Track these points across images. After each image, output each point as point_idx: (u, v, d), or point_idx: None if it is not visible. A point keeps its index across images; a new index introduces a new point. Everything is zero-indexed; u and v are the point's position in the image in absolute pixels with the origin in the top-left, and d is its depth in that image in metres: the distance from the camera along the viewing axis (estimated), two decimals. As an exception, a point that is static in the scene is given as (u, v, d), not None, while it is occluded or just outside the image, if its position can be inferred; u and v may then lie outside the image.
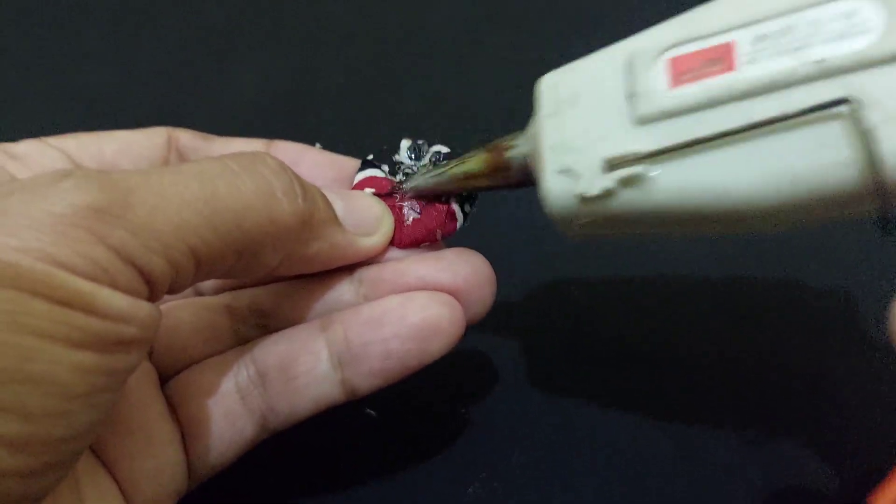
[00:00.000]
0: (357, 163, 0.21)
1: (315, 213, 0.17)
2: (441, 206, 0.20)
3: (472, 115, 0.32)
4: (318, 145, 0.22)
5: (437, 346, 0.18)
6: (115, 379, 0.14)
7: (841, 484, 0.21)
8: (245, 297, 0.20)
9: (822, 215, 0.15)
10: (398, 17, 0.36)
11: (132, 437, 0.17)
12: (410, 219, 0.20)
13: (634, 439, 0.22)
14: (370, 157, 0.21)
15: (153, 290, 0.15)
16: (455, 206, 0.20)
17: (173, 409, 0.18)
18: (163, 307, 0.20)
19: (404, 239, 0.20)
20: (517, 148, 0.18)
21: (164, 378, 0.19)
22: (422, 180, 0.20)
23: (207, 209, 0.15)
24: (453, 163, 0.19)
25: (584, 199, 0.16)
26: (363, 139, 0.22)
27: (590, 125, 0.16)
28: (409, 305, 0.18)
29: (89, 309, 0.13)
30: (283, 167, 0.17)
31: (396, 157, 0.21)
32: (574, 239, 0.17)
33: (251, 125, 0.32)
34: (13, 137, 0.29)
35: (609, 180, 0.15)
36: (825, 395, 0.22)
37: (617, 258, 0.26)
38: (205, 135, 0.22)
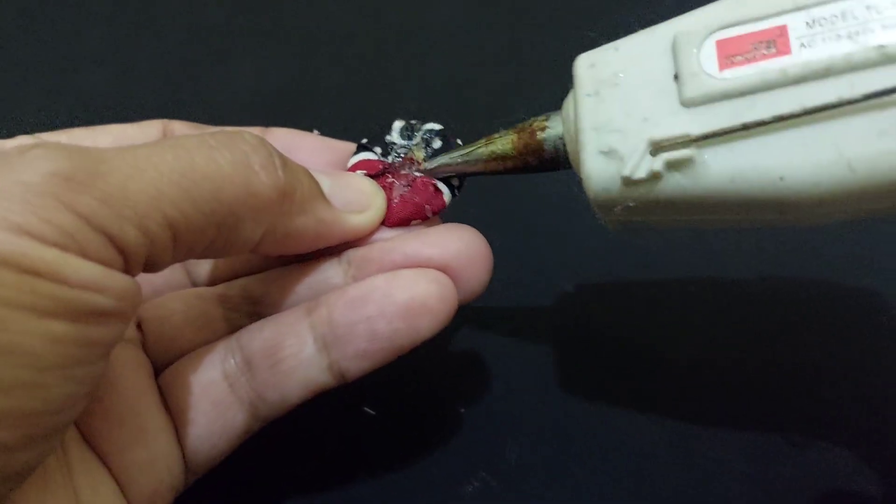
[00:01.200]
0: (352, 146, 0.21)
1: (297, 188, 0.17)
2: (426, 180, 0.20)
3: (473, 114, 0.31)
4: (315, 132, 0.22)
5: (427, 324, 0.17)
6: (91, 351, 0.14)
7: (841, 483, 0.21)
8: (237, 285, 0.20)
9: (878, 205, 0.14)
10: (398, 15, 0.36)
11: (124, 427, 0.17)
12: (398, 197, 0.19)
13: (633, 438, 0.22)
14: (364, 140, 0.21)
15: (128, 260, 0.14)
16: (437, 179, 0.20)
17: (165, 399, 0.18)
18: (156, 299, 0.20)
19: (393, 217, 0.19)
20: (551, 129, 0.17)
21: (158, 368, 0.19)
22: (447, 159, 0.19)
23: (184, 180, 0.14)
24: (480, 143, 0.18)
25: (629, 182, 0.15)
26: (362, 136, 0.22)
27: (633, 106, 0.15)
28: (395, 283, 0.17)
29: (58, 278, 0.13)
30: (262, 141, 0.16)
31: (388, 138, 0.21)
32: (612, 226, 0.16)
33: (250, 124, 0.32)
34: (11, 136, 0.28)
35: (657, 163, 0.14)
36: (825, 393, 0.22)
37: (617, 257, 0.26)
38: (200, 126, 0.21)
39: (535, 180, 0.28)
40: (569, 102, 0.17)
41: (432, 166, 0.20)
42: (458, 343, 0.24)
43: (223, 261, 0.21)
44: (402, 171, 0.20)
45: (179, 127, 0.21)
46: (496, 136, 0.18)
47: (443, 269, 0.18)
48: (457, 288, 0.18)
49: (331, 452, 0.22)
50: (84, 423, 0.17)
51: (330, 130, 0.32)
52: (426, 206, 0.19)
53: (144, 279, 0.20)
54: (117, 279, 0.14)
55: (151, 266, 0.15)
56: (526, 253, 0.26)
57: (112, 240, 0.14)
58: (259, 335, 0.18)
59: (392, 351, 0.17)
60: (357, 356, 0.17)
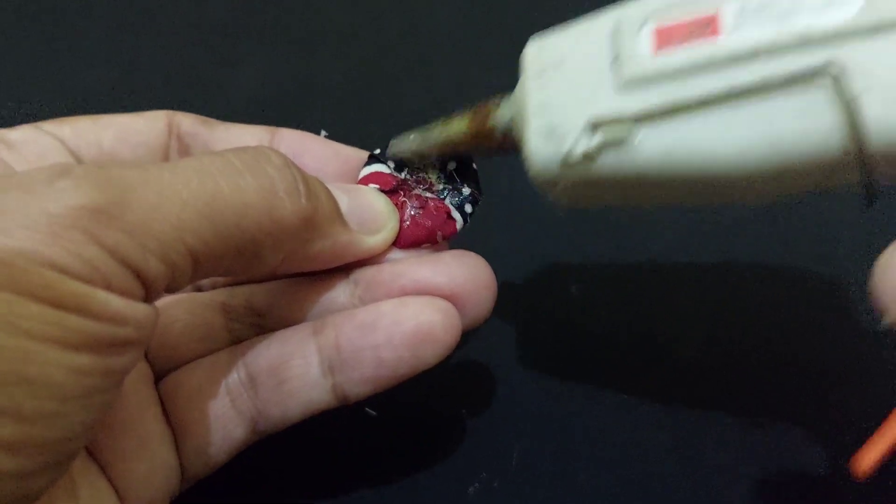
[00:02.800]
0: (361, 154, 0.21)
1: (319, 211, 0.16)
2: (441, 205, 0.20)
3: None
4: (323, 133, 0.22)
5: (431, 353, 0.17)
6: (111, 380, 0.14)
7: (839, 481, 0.20)
8: (241, 294, 0.20)
9: (805, 184, 0.15)
10: (401, 15, 0.36)
11: (126, 437, 0.17)
12: (409, 218, 0.19)
13: (635, 439, 0.22)
14: (377, 151, 0.20)
15: (149, 290, 0.14)
16: (451, 207, 0.20)
17: (165, 409, 0.18)
18: (157, 303, 0.20)
19: (404, 240, 0.19)
20: (501, 111, 0.18)
21: (158, 376, 0.19)
22: (403, 145, 0.19)
23: (207, 209, 0.14)
24: (436, 125, 0.19)
25: (568, 160, 0.15)
26: (365, 137, 0.22)
27: (575, 87, 0.16)
28: (403, 311, 0.17)
29: (84, 310, 0.13)
30: (288, 163, 0.16)
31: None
32: (557, 204, 0.17)
33: (254, 123, 0.32)
34: None
35: (593, 142, 0.15)
36: (830, 394, 0.22)
37: (616, 257, 0.26)
38: (206, 119, 0.21)
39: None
40: (518, 86, 0.17)
41: (390, 152, 0.20)
42: (459, 343, 0.24)
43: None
44: (415, 192, 0.20)
45: (185, 120, 0.21)
46: (453, 116, 0.19)
47: (450, 297, 0.18)
48: (461, 316, 0.18)
49: (331, 452, 0.22)
50: None
51: (333, 131, 0.32)
52: (438, 231, 0.19)
53: None
54: (139, 309, 0.14)
55: (169, 289, 0.15)
56: (525, 252, 0.26)
57: (136, 272, 0.14)
58: (265, 352, 0.18)
59: (395, 378, 0.18)
60: (361, 381, 0.18)
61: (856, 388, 0.22)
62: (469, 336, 0.24)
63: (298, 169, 0.17)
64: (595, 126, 0.15)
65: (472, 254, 0.19)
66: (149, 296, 0.14)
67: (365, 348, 0.17)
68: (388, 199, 0.19)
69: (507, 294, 0.25)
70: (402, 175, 0.20)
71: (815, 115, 0.14)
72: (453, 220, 0.20)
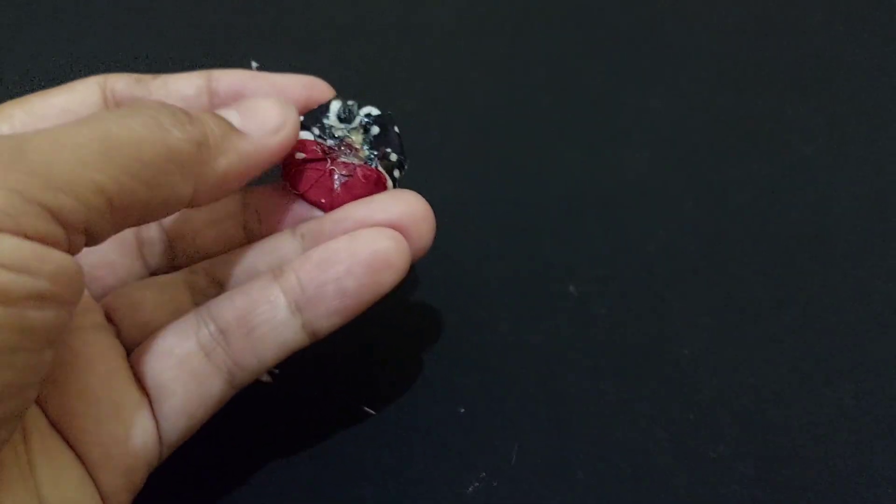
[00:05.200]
0: (298, 79, 0.21)
1: (207, 133, 0.17)
2: (370, 172, 0.20)
3: (474, 113, 0.32)
4: (254, 65, 0.22)
5: (388, 278, 0.18)
6: (31, 338, 0.13)
7: (836, 479, 0.21)
8: (200, 269, 0.21)
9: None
10: (399, 14, 0.36)
11: (99, 405, 0.17)
12: (338, 185, 0.20)
13: (634, 438, 0.22)
14: (301, 118, 0.21)
15: (67, 230, 0.14)
16: (383, 172, 0.20)
17: (139, 376, 0.18)
18: (122, 288, 0.20)
19: (335, 205, 0.20)
20: None
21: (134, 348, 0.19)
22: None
23: (104, 147, 0.15)
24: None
25: None
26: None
27: None
28: (356, 243, 0.18)
29: None
30: (164, 104, 0.17)
31: (326, 121, 0.21)
32: None
33: None
34: None
35: None
36: (820, 388, 0.22)
37: (616, 256, 0.26)
38: (139, 76, 0.22)
39: (536, 179, 0.28)
40: None
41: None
42: (458, 343, 0.24)
43: (181, 247, 0.21)
44: (341, 159, 0.20)
45: (118, 83, 0.21)
46: None
47: (393, 228, 0.19)
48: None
49: (331, 453, 0.22)
50: (54, 407, 0.17)
51: None
52: (368, 196, 0.20)
53: (105, 270, 0.21)
54: (51, 257, 0.14)
55: (94, 236, 0.15)
56: (527, 253, 0.26)
57: (48, 209, 0.14)
58: (230, 304, 0.19)
59: (360, 306, 0.18)
60: (329, 314, 0.18)
61: (853, 385, 0.22)
62: (471, 337, 0.24)
63: (175, 106, 0.17)
64: None
65: (407, 191, 0.19)
66: (70, 238, 0.14)
67: (328, 282, 0.18)
68: (279, 98, 0.20)
69: (507, 294, 0.25)
70: (328, 142, 0.20)
71: None
72: (384, 184, 0.20)
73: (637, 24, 0.35)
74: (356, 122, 0.21)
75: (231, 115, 0.19)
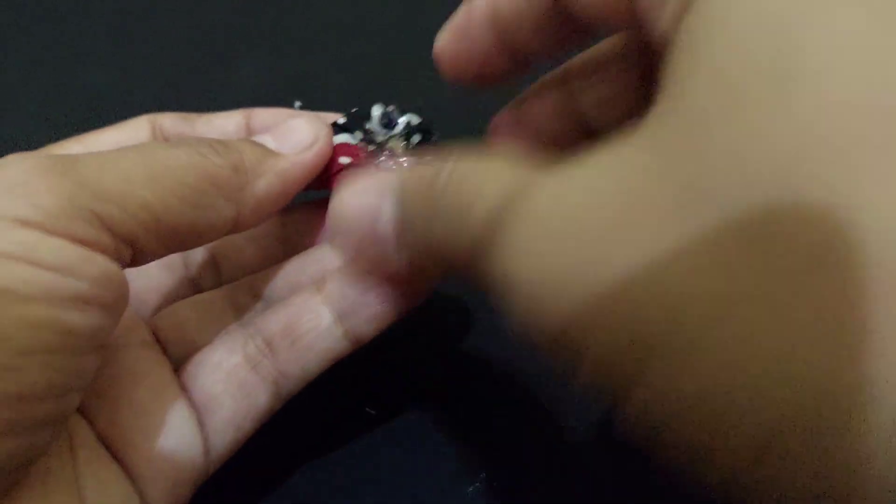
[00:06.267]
0: (333, 118, 0.21)
1: (244, 157, 0.18)
2: None
3: (474, 113, 0.32)
4: (297, 104, 0.23)
5: (427, 283, 0.19)
6: (72, 340, 0.14)
7: None
8: (244, 285, 0.21)
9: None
10: (399, 13, 0.36)
11: (148, 419, 0.17)
12: None
13: None
14: (341, 120, 0.21)
15: (115, 238, 0.15)
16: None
17: (188, 392, 0.19)
18: (167, 308, 0.21)
19: None
20: None
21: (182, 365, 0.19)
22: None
23: (149, 168, 0.16)
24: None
25: None
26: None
27: None
28: None
29: (32, 260, 0.13)
30: (201, 137, 0.18)
31: (368, 126, 0.21)
32: None
33: None
34: (12, 136, 0.29)
35: None
36: None
37: None
38: (185, 115, 0.23)
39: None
40: None
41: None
42: (459, 343, 0.24)
43: (226, 265, 0.22)
44: (382, 164, 0.20)
45: (166, 121, 0.23)
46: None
47: None
48: None
49: (331, 452, 0.22)
50: (102, 421, 0.17)
51: None
52: None
53: (153, 294, 0.21)
54: (96, 262, 0.14)
55: (142, 252, 0.16)
56: None
57: (97, 216, 0.14)
58: (275, 318, 0.19)
59: (400, 312, 0.19)
60: (371, 320, 0.19)
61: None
62: (471, 337, 0.24)
63: (214, 138, 0.18)
64: None
65: None
66: (117, 247, 0.15)
67: (370, 288, 0.19)
68: (309, 115, 0.20)
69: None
70: (369, 147, 0.21)
71: None
72: None
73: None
74: (398, 130, 0.21)
75: (266, 139, 0.20)
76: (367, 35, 0.35)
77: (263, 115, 0.23)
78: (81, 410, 0.17)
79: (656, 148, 0.11)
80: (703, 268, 0.10)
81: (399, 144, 0.21)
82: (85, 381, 0.15)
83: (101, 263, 0.14)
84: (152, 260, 0.16)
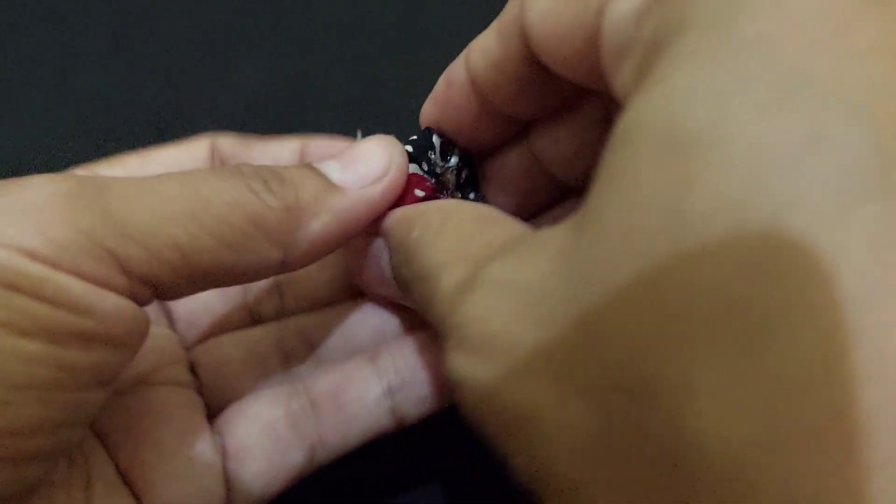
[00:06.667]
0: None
1: (300, 195, 0.16)
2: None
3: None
4: (359, 134, 0.21)
5: None
6: (72, 376, 0.13)
7: None
8: (293, 327, 0.20)
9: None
10: (399, 14, 0.36)
11: (172, 461, 0.17)
12: None
13: None
14: (409, 148, 0.19)
15: (133, 280, 0.14)
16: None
17: (221, 438, 0.18)
18: (210, 342, 0.20)
19: None
20: None
21: (213, 412, 0.19)
22: None
23: (188, 203, 0.14)
24: None
25: None
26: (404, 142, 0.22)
27: None
28: None
29: (36, 294, 0.12)
30: (258, 167, 0.16)
31: (432, 156, 0.19)
32: None
33: (252, 125, 0.32)
34: (12, 137, 0.29)
35: None
36: None
37: None
38: (243, 139, 0.22)
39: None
40: None
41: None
42: None
43: (291, 292, 0.21)
44: (442, 199, 0.19)
45: (225, 143, 0.22)
46: None
47: None
48: None
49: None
50: (125, 457, 0.17)
51: (334, 130, 0.32)
52: None
53: (205, 315, 0.20)
54: (108, 300, 0.13)
55: (165, 292, 0.15)
56: None
57: (114, 255, 0.13)
58: (324, 378, 0.19)
59: (449, 397, 0.18)
60: (419, 400, 0.18)
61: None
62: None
63: (271, 168, 0.17)
64: None
65: None
66: (135, 287, 0.14)
67: (423, 367, 0.18)
68: (385, 139, 0.18)
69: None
70: (432, 179, 0.19)
71: None
72: None
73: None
74: (452, 161, 0.19)
75: (331, 167, 0.17)
76: (367, 35, 0.35)
77: (319, 146, 0.21)
78: (104, 443, 0.17)
79: (562, 264, 0.11)
80: None
81: (451, 178, 0.19)
82: (87, 416, 0.14)
83: (110, 300, 0.13)
84: (179, 297, 0.16)
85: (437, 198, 0.19)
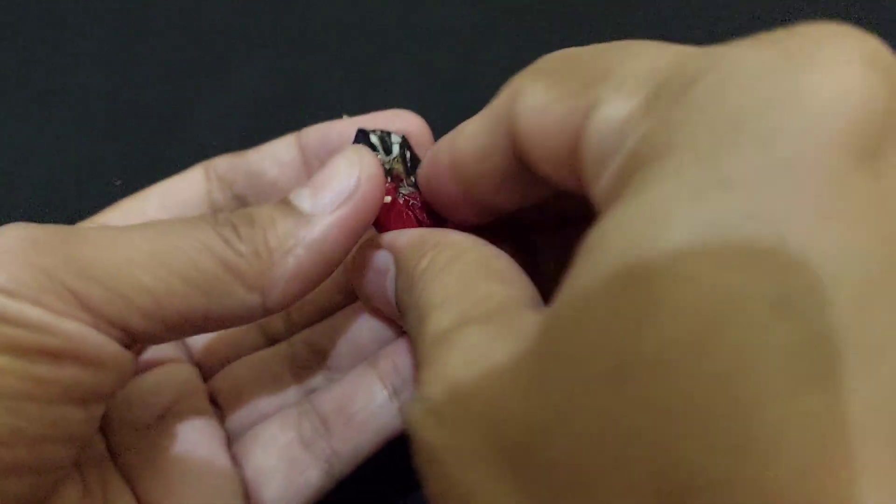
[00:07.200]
0: (382, 115, 0.21)
1: (269, 236, 0.16)
2: (409, 211, 0.19)
3: (475, 113, 0.32)
4: (344, 116, 0.22)
5: None
6: (39, 387, 0.14)
7: None
8: (301, 341, 0.21)
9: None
10: (398, 14, 0.36)
11: (196, 491, 0.17)
12: (426, 216, 0.19)
13: None
14: (373, 139, 0.19)
15: (97, 319, 0.14)
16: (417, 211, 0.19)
17: (240, 465, 0.19)
18: (226, 369, 0.21)
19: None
20: None
21: (234, 438, 0.19)
22: None
23: (157, 249, 0.15)
24: None
25: None
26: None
27: None
28: None
29: (1, 317, 0.13)
30: (224, 216, 0.16)
31: (378, 156, 0.19)
32: None
33: (251, 125, 0.32)
34: (11, 138, 0.29)
35: None
36: None
37: None
38: (237, 154, 0.22)
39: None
40: None
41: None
42: None
43: (297, 311, 0.22)
44: (402, 191, 0.19)
45: (220, 162, 0.22)
46: None
47: None
48: None
49: None
50: (146, 487, 0.17)
51: None
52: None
53: (222, 344, 0.21)
54: (69, 323, 0.14)
55: (140, 336, 0.15)
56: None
57: (74, 294, 0.14)
58: (329, 395, 0.19)
59: None
60: None
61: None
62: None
63: (242, 212, 0.17)
64: None
65: None
66: (101, 328, 0.14)
67: None
68: (350, 155, 0.17)
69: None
70: (387, 179, 0.19)
71: None
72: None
73: (643, 23, 0.35)
74: (395, 151, 0.19)
75: (303, 196, 0.17)
76: (367, 35, 0.35)
77: (313, 133, 0.22)
78: (126, 476, 0.17)
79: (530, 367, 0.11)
80: None
81: (399, 167, 0.19)
82: (68, 433, 0.14)
83: (73, 324, 0.14)
84: (163, 342, 0.16)
85: (407, 199, 0.19)
